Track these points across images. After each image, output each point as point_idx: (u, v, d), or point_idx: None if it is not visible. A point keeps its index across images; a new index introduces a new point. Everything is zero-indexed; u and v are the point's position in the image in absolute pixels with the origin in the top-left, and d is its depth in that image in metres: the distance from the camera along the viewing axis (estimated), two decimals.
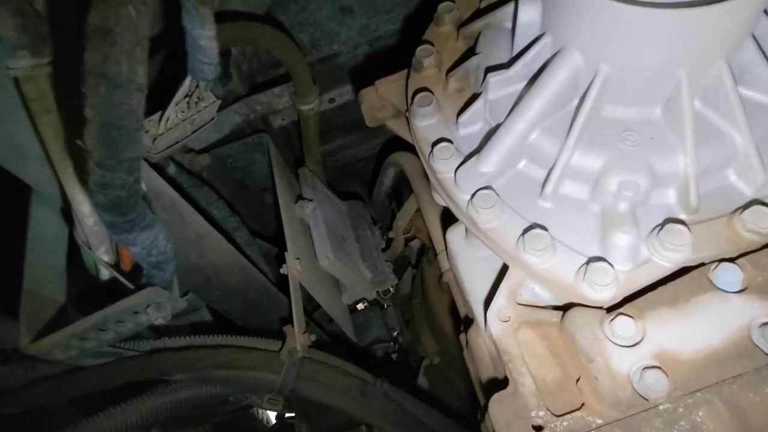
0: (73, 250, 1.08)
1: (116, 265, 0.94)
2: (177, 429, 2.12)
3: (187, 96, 0.84)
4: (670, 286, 0.82)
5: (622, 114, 0.87)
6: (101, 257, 0.92)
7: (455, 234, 1.09)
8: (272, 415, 3.36)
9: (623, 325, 0.78)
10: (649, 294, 0.82)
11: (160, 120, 0.91)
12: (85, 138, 0.56)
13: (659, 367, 0.74)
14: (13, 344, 1.23)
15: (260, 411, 3.33)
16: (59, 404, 1.07)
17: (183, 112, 0.85)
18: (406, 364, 2.50)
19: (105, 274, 0.97)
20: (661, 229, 0.79)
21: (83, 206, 0.86)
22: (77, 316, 1.00)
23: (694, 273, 0.83)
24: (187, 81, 0.83)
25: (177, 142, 0.87)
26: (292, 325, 1.35)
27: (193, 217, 1.18)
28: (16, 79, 0.75)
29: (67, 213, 1.08)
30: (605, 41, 0.79)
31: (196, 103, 0.86)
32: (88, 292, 1.07)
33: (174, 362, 1.15)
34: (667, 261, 0.79)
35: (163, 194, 1.04)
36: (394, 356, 2.59)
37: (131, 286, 0.90)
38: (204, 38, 0.73)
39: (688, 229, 0.78)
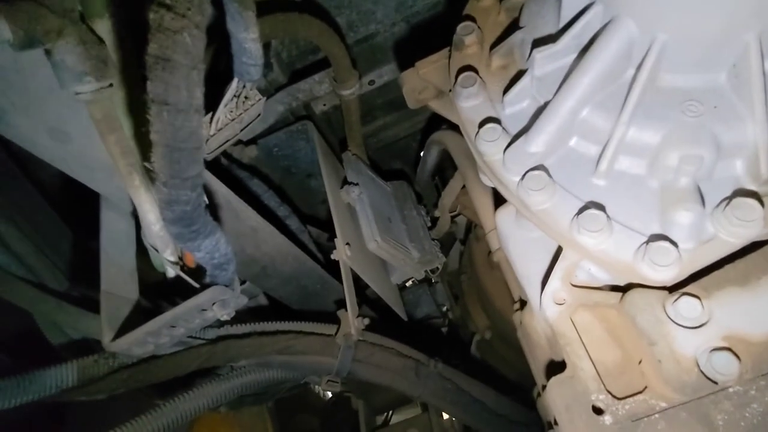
0: (140, 251, 1.16)
1: (181, 265, 1.00)
2: (243, 406, 2.25)
3: (234, 96, 0.87)
4: (739, 263, 0.78)
5: (681, 83, 0.82)
6: (168, 258, 0.99)
7: (505, 216, 1.07)
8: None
9: (688, 306, 0.76)
10: (716, 272, 0.78)
11: (210, 121, 0.95)
12: (152, 160, 0.60)
13: (729, 349, 0.71)
14: (95, 337, 1.34)
15: (317, 387, 3.48)
16: (138, 390, 1.16)
17: (231, 112, 0.88)
18: (457, 339, 2.52)
19: (171, 273, 1.03)
20: (728, 203, 0.75)
21: (149, 214, 0.93)
22: (148, 310, 1.08)
23: (766, 248, 0.78)
24: (234, 83, 0.86)
25: (227, 141, 0.90)
26: (346, 310, 1.39)
27: (246, 212, 1.22)
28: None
29: (135, 216, 1.15)
30: (663, 7, 0.74)
31: (244, 102, 0.89)
32: (155, 289, 1.14)
33: (238, 350, 1.22)
34: (735, 237, 0.75)
35: (218, 193, 1.09)
36: (444, 331, 2.61)
37: (196, 285, 0.96)
38: (248, 41, 0.75)
39: (760, 201, 0.73)
